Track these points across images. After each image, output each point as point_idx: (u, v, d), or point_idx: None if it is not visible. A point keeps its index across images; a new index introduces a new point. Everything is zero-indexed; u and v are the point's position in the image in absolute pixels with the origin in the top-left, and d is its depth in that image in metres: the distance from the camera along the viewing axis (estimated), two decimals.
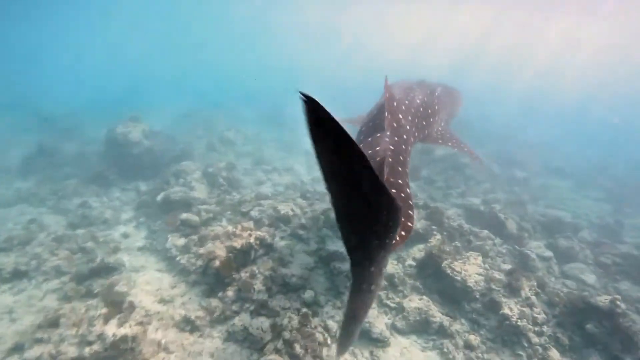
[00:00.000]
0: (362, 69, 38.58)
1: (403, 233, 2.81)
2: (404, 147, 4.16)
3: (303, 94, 1.17)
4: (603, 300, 4.74)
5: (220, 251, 5.41)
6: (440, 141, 5.68)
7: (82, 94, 18.42)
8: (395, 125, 4.28)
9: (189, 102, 17.56)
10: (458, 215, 8.37)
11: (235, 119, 15.70)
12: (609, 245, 7.38)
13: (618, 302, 4.55)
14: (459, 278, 5.56)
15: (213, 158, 10.34)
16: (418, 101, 5.42)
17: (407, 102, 5.17)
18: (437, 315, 5.23)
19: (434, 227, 7.29)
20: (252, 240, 5.51)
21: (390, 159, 3.57)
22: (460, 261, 5.99)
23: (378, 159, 3.36)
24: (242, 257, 5.47)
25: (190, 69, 30.01)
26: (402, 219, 2.85)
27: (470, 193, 9.84)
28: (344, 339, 2.84)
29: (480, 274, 5.80)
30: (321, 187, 9.23)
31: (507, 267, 6.20)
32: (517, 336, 4.82)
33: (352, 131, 6.52)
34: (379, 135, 3.95)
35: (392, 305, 5.54)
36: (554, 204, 10.23)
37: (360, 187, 1.58)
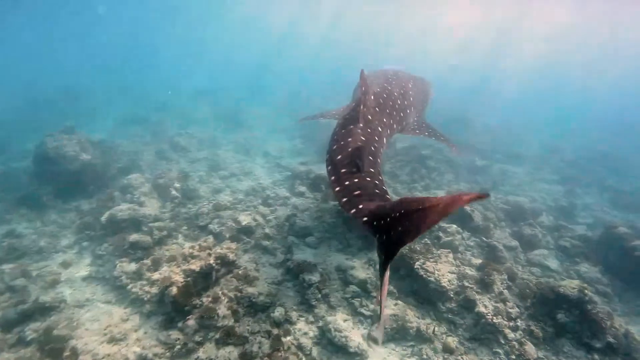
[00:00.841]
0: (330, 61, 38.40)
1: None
2: (377, 138, 4.31)
3: None
4: (571, 289, 4.87)
5: (178, 276, 4.92)
6: (417, 131, 5.79)
7: (7, 100, 16.32)
8: (369, 117, 4.44)
9: (134, 106, 16.23)
10: None
11: (188, 122, 14.78)
12: (567, 229, 7.76)
13: (586, 291, 4.69)
14: (432, 279, 5.52)
15: (164, 167, 9.58)
16: (395, 93, 5.55)
17: (385, 95, 5.25)
18: (414, 320, 5.14)
19: None
20: (212, 260, 5.07)
21: (362, 150, 3.74)
22: (432, 260, 5.97)
23: (351, 148, 3.66)
24: (202, 280, 5.02)
25: (136, 69, 27.83)
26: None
27: (434, 185, 9.98)
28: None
29: (452, 272, 5.80)
30: (283, 191, 8.90)
31: (478, 261, 6.28)
32: (493, 334, 4.85)
33: (328, 125, 6.66)
34: (352, 127, 4.10)
35: (367, 313, 5.37)
36: (513, 190, 10.68)
37: None
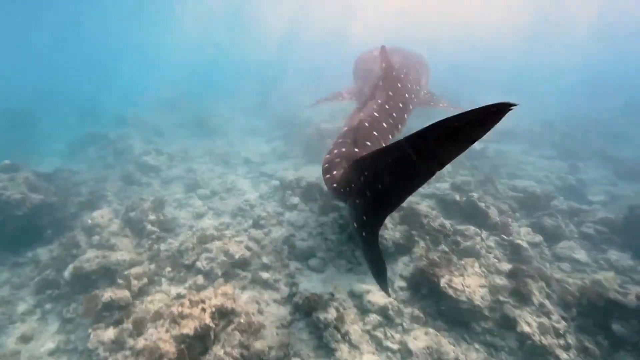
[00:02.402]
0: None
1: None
2: (394, 115, 4.60)
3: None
4: (624, 294, 4.39)
5: (168, 345, 4.09)
6: (432, 103, 6.26)
7: None
8: (390, 93, 4.69)
9: (90, 123, 14.74)
10: (431, 209, 7.85)
11: (154, 135, 13.56)
12: (585, 212, 7.39)
13: None
14: (463, 297, 4.94)
15: (133, 195, 8.53)
16: (410, 67, 5.90)
17: (405, 70, 5.55)
18: (450, 349, 4.56)
19: (413, 232, 6.65)
20: (207, 318, 4.27)
21: (366, 124, 4.21)
22: (457, 273, 5.39)
23: (356, 123, 4.08)
24: (199, 344, 4.21)
25: (86, 81, 25.63)
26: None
27: (435, 177, 9.40)
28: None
29: (483, 285, 5.24)
30: (274, 205, 8.10)
31: (506, 267, 5.76)
32: (544, 356, 4.32)
33: (307, 121, 11.51)
34: (370, 102, 4.46)
35: (394, 347, 4.75)
36: (515, 171, 10.29)
37: None
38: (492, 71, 26.16)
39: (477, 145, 11.05)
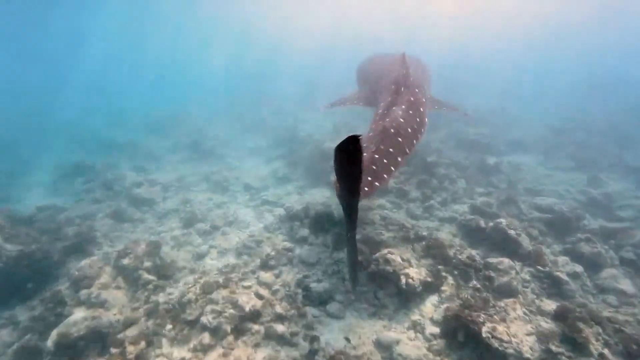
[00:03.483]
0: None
1: (366, 189, 4.07)
2: (418, 119, 4.94)
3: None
4: None
5: None
6: (436, 107, 6.33)
7: None
8: (412, 99, 5.04)
9: (74, 151, 14.03)
10: (453, 236, 7.34)
11: (145, 161, 12.90)
12: (621, 233, 6.91)
13: None
14: (511, 350, 4.37)
15: (125, 235, 7.88)
16: (420, 73, 6.43)
17: (418, 76, 5.94)
18: None
19: (439, 266, 6.11)
20: None
21: (392, 130, 4.62)
22: (497, 318, 4.84)
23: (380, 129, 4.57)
24: None
25: (65, 104, 24.66)
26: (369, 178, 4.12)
27: (452, 198, 8.91)
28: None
29: (530, 332, 4.70)
30: (281, 239, 7.51)
31: (549, 305, 5.22)
32: None
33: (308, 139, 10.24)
34: (394, 108, 4.84)
35: None
36: (534, 187, 9.84)
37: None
38: (492, 74, 26.03)
39: (491, 160, 10.63)
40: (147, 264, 6.18)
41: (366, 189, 4.08)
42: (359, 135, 2.67)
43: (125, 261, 6.23)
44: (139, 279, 6.01)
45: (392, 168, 4.41)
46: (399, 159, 4.55)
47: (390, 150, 4.49)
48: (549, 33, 46.12)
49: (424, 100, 5.43)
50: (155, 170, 12.13)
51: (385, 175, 4.28)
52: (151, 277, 6.06)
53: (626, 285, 5.84)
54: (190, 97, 24.61)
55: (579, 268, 5.92)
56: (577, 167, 10.89)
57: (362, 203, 9.37)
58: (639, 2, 32.12)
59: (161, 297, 5.79)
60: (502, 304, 5.14)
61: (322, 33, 52.60)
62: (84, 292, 5.66)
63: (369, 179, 4.18)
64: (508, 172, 10.39)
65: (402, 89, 5.15)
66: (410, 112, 4.97)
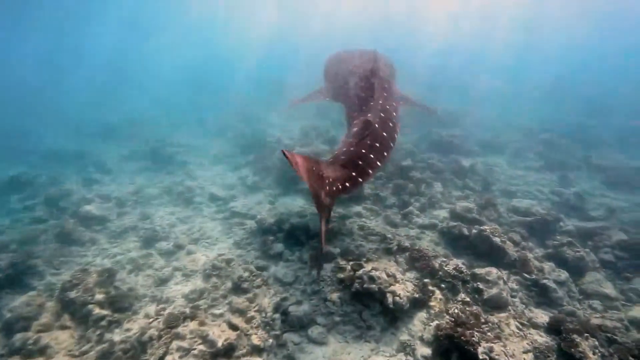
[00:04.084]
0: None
1: (347, 184, 4.06)
2: (394, 114, 5.11)
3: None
4: None
5: None
6: (402, 102, 6.29)
7: None
8: (385, 94, 5.20)
9: (12, 160, 12.54)
10: (436, 245, 7.13)
11: (97, 172, 11.75)
12: (598, 235, 7.01)
13: None
14: None
15: (74, 261, 6.95)
16: (386, 69, 6.46)
17: (387, 71, 6.12)
18: None
19: (426, 279, 5.83)
20: None
21: (376, 125, 4.66)
22: (493, 337, 4.61)
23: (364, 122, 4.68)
24: None
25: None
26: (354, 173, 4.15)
27: (430, 203, 8.75)
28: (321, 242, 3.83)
29: (527, 350, 4.50)
30: (253, 256, 6.95)
31: (541, 317, 5.08)
32: None
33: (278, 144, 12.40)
34: (372, 104, 4.93)
35: None
36: (507, 188, 9.95)
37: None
38: (461, 74, 26.72)
39: (466, 162, 10.63)
40: (100, 295, 5.40)
41: (347, 184, 4.01)
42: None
43: (72, 294, 5.41)
44: (89, 315, 5.23)
45: (379, 163, 4.38)
46: (385, 154, 4.56)
47: (377, 144, 4.48)
48: (520, 33, 48.30)
49: (394, 95, 5.61)
50: (110, 183, 11.04)
51: (370, 171, 4.24)
52: (104, 312, 5.30)
53: (609, 288, 5.86)
54: (147, 100, 23.10)
55: (564, 274, 5.86)
56: (546, 167, 11.18)
57: (339, 211, 9.04)
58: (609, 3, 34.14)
59: (117, 335, 5.06)
60: (495, 320, 4.92)
61: (287, 33, 52.20)
62: (18, 338, 4.81)
63: (353, 174, 4.11)
64: (483, 174, 10.43)
65: (375, 84, 5.22)
66: (387, 106, 5.06)
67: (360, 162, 4.24)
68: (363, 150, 4.33)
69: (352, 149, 4.40)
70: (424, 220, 8.04)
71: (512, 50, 43.94)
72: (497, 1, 39.61)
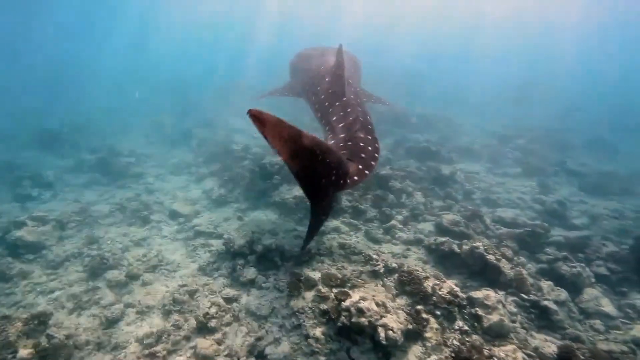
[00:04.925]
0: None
1: (356, 178, 3.78)
2: (366, 109, 5.26)
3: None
4: None
5: None
6: (364, 99, 6.33)
7: None
8: (352, 89, 5.43)
9: None
10: (424, 263, 6.66)
11: (31, 188, 10.24)
12: (591, 248, 6.82)
13: None
14: None
15: None
16: (351, 66, 6.73)
17: (349, 68, 6.14)
18: None
19: (418, 306, 5.29)
20: None
21: (361, 119, 4.83)
22: None
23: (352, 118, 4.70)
24: None
25: None
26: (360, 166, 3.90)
27: (413, 216, 8.33)
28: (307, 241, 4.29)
29: None
30: (221, 284, 6.15)
31: (548, 347, 4.68)
32: None
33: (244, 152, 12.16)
34: (344, 99, 5.09)
35: None
36: (488, 196, 9.78)
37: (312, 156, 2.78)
38: (434, 79, 27.04)
39: (445, 170, 10.36)
40: (25, 351, 4.38)
41: (355, 177, 3.81)
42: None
43: None
44: None
45: (376, 155, 4.31)
46: (377, 145, 4.49)
47: (369, 137, 4.51)
48: (494, 38, 50.14)
49: (358, 92, 5.80)
50: (50, 200, 9.71)
51: (373, 163, 4.13)
52: None
53: (608, 306, 5.61)
54: (95, 102, 21.17)
55: (564, 293, 5.56)
56: (524, 173, 11.18)
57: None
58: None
59: None
60: (502, 354, 4.46)
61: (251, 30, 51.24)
62: None
63: (360, 167, 3.96)
64: (462, 182, 10.20)
65: (340, 81, 5.23)
66: (359, 100, 5.18)
67: (363, 155, 4.16)
68: (361, 144, 4.29)
69: (349, 142, 4.33)
70: (408, 235, 7.58)
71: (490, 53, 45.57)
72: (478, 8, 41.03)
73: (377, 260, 6.30)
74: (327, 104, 5.31)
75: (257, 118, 2.41)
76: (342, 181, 3.56)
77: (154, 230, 8.29)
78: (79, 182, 10.90)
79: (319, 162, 2.96)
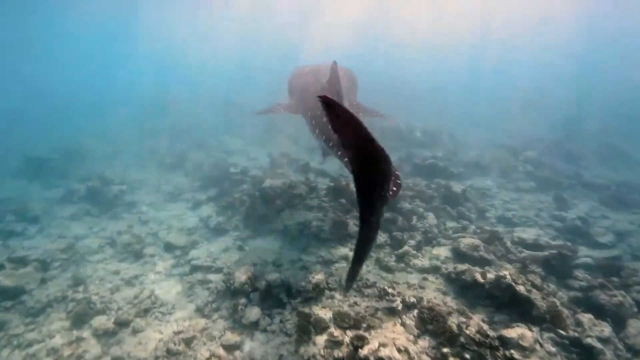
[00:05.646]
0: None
1: (394, 188, 3.57)
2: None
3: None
4: None
5: None
6: (361, 114, 6.28)
7: None
8: (348, 104, 5.60)
9: None
10: (444, 295, 6.11)
11: (16, 222, 9.63)
12: (626, 271, 6.31)
13: None
14: None
15: None
16: (346, 81, 6.53)
17: (344, 83, 5.82)
18: None
19: (444, 348, 4.75)
20: None
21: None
22: None
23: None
24: None
25: None
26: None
27: (427, 240, 7.81)
28: (351, 279, 3.79)
29: None
30: (222, 327, 5.58)
31: None
32: None
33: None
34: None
35: None
36: (504, 214, 9.29)
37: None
38: (431, 92, 26.88)
39: (456, 187, 9.89)
40: None
41: (392, 192, 3.57)
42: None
43: None
44: None
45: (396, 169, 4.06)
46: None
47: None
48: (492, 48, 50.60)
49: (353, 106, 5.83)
50: (35, 235, 9.16)
51: (398, 173, 3.87)
52: None
53: None
54: (85, 127, 20.68)
55: (607, 328, 4.99)
56: (538, 187, 10.73)
57: (321, 255, 7.88)
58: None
59: None
60: None
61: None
62: None
63: (398, 181, 3.78)
64: (475, 199, 9.73)
65: (336, 97, 4.95)
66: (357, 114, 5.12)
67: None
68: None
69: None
70: (423, 262, 7.05)
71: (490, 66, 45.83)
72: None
73: (393, 295, 5.78)
74: (325, 119, 5.06)
75: (332, 107, 2.10)
76: (389, 195, 3.27)
77: (147, 266, 7.73)
78: (67, 214, 10.33)
79: (383, 171, 2.67)
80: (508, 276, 5.49)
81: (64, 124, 21.19)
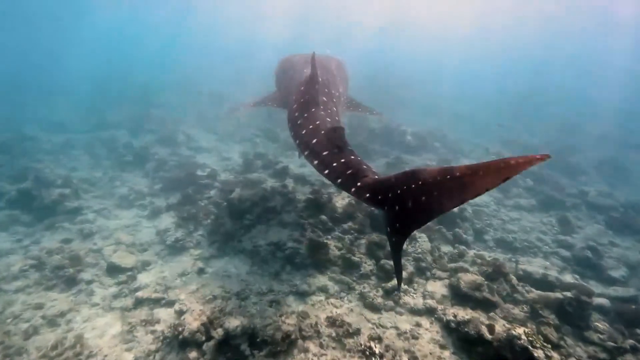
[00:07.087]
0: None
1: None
2: (337, 118, 4.94)
3: None
4: None
5: None
6: (351, 109, 6.83)
7: None
8: (324, 99, 5.10)
9: None
10: (441, 348, 5.18)
11: None
12: None
13: None
14: None
15: None
16: (332, 74, 6.51)
17: (325, 77, 5.87)
18: None
19: None
20: None
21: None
22: None
23: (326, 129, 4.18)
24: None
25: None
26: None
27: (419, 270, 6.88)
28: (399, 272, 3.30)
29: None
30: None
31: None
32: None
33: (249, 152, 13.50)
34: (313, 110, 4.71)
35: None
36: (503, 236, 8.51)
37: None
38: (415, 91, 26.06)
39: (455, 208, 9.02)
40: None
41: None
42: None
43: None
44: None
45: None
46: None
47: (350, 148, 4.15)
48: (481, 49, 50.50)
49: (334, 100, 5.47)
50: None
51: None
52: None
53: None
54: (33, 113, 18.67)
55: None
56: (540, 206, 9.99)
57: (295, 284, 6.85)
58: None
59: None
60: None
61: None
62: None
63: None
64: (472, 218, 8.88)
65: (313, 89, 4.95)
66: (329, 111, 4.87)
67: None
68: (364, 166, 3.64)
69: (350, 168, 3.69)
70: (415, 300, 6.12)
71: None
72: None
73: (381, 353, 4.81)
74: (296, 114, 4.84)
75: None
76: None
77: (81, 296, 6.45)
78: None
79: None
80: (523, 337, 4.59)
81: (5, 108, 19.06)
